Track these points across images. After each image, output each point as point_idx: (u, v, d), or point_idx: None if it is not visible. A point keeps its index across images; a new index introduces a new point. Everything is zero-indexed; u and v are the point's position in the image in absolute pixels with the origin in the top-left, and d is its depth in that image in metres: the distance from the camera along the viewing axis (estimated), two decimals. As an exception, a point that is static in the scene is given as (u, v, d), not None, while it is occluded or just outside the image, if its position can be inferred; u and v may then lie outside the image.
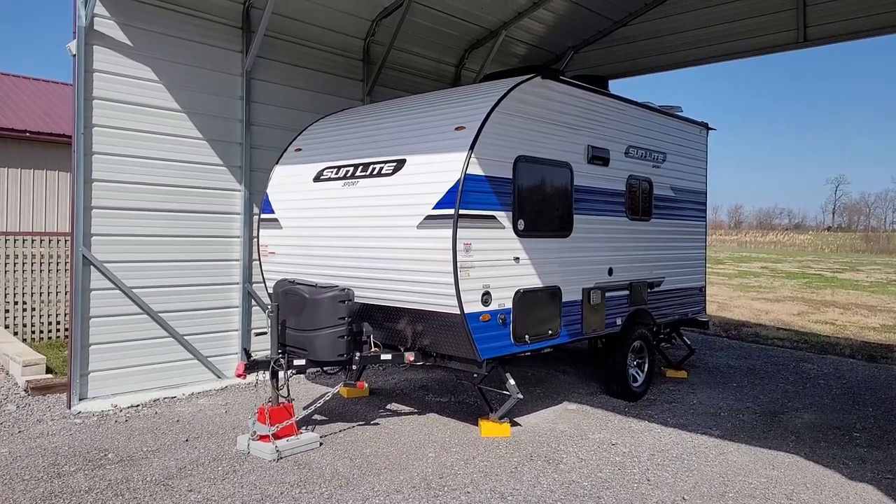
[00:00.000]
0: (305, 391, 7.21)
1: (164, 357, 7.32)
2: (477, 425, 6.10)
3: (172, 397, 7.05)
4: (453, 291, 5.31)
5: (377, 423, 6.23)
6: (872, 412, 6.92)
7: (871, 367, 9.29)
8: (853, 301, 17.32)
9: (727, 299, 17.09)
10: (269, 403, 5.52)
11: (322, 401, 5.98)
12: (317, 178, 6.65)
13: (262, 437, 5.35)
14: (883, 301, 17.48)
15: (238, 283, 7.98)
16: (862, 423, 6.51)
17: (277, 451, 5.24)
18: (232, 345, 7.90)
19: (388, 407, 6.83)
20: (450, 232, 5.29)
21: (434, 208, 5.44)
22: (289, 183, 6.99)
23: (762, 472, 5.16)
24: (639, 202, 7.49)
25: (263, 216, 7.16)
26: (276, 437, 5.35)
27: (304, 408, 6.22)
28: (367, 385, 6.90)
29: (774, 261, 35.19)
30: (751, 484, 4.91)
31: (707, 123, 8.90)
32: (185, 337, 7.48)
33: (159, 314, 7.27)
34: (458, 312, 5.35)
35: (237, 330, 7.95)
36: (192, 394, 7.21)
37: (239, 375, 5.40)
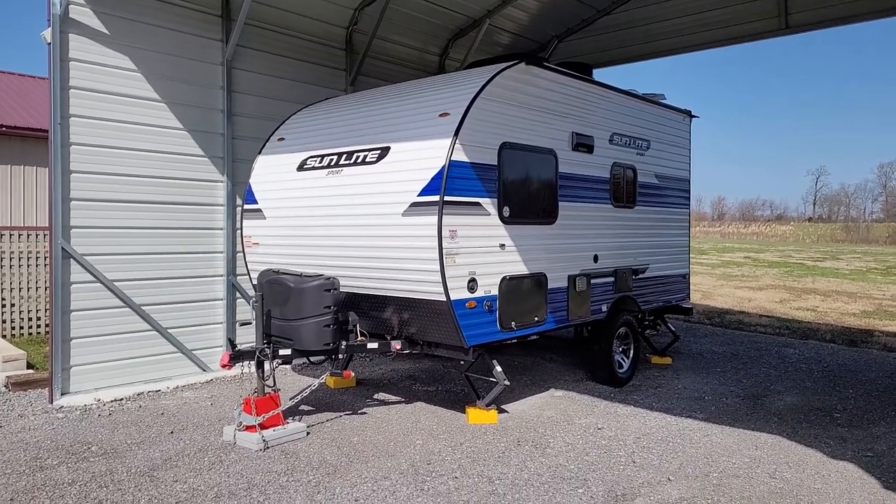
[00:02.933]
0: (291, 382, 7.18)
1: (147, 350, 7.24)
2: (464, 413, 6.10)
3: (157, 391, 6.98)
4: (439, 278, 5.30)
5: (364, 413, 6.22)
6: (852, 394, 7.04)
7: (851, 351, 9.44)
8: (834, 288, 17.58)
9: (711, 288, 17.27)
10: (255, 394, 5.48)
11: (308, 391, 5.95)
12: (300, 168, 6.60)
13: (248, 427, 5.32)
14: (862, 288, 17.76)
15: (222, 276, 7.90)
16: (842, 405, 6.61)
17: (264, 440, 5.21)
18: (216, 337, 7.83)
19: (376, 396, 6.81)
20: (435, 219, 5.27)
21: (419, 195, 5.42)
22: (272, 173, 6.93)
23: (746, 452, 5.22)
24: (623, 189, 7.52)
25: (247, 207, 7.09)
26: (263, 426, 5.32)
27: (291, 398, 6.19)
28: (353, 375, 6.88)
29: (757, 251, 35.63)
30: (735, 464, 4.97)
31: (690, 111, 8.96)
32: (169, 330, 7.40)
33: (142, 307, 7.18)
34: (445, 299, 5.34)
35: (221, 323, 7.88)
36: (177, 387, 7.14)
37: (224, 366, 5.35)
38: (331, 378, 7.09)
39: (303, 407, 6.35)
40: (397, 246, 5.59)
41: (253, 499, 4.32)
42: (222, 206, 7.90)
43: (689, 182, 8.94)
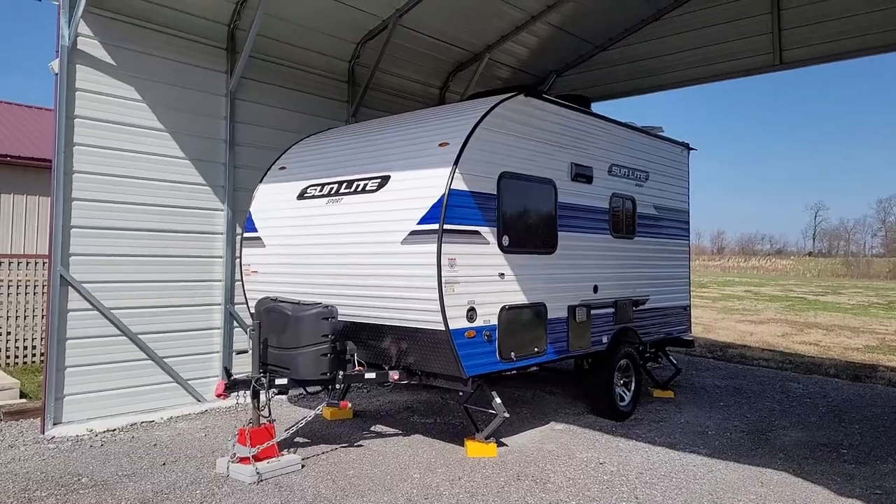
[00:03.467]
0: (287, 414, 7.05)
1: (142, 380, 7.14)
2: (463, 446, 5.98)
3: (150, 421, 6.86)
4: (438, 307, 5.25)
5: (361, 445, 6.09)
6: (858, 429, 6.91)
7: (855, 386, 9.31)
8: (836, 323, 17.46)
9: (712, 321, 17.15)
10: (250, 425, 5.38)
11: (304, 422, 5.84)
12: (300, 196, 6.61)
13: (241, 459, 5.21)
14: (865, 323, 17.65)
15: (220, 304, 7.85)
16: (849, 440, 6.48)
17: (258, 473, 5.09)
18: (213, 367, 7.73)
19: (373, 428, 6.69)
20: (434, 247, 5.25)
21: (418, 223, 5.41)
22: (272, 201, 6.94)
23: (751, 489, 5.10)
24: (622, 220, 7.53)
25: (246, 235, 7.09)
26: (257, 458, 5.21)
27: (286, 430, 6.07)
28: (350, 406, 6.77)
29: (757, 285, 35.53)
30: (740, 501, 4.84)
31: (688, 144, 9.03)
32: (165, 359, 7.32)
33: (138, 336, 7.11)
34: (443, 329, 5.29)
35: (218, 352, 7.79)
36: (171, 417, 7.02)
37: (219, 395, 5.26)
38: (327, 409, 6.98)
39: (298, 438, 6.23)
40: (396, 274, 5.56)
41: (244, 533, 4.20)
42: (222, 234, 7.90)
43: (689, 214, 8.95)
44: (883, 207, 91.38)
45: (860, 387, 9.22)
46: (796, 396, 8.46)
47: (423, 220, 5.39)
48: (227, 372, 5.41)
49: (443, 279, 5.24)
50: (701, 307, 20.59)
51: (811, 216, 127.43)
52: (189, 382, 7.51)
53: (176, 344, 7.45)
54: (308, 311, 5.51)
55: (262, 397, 5.48)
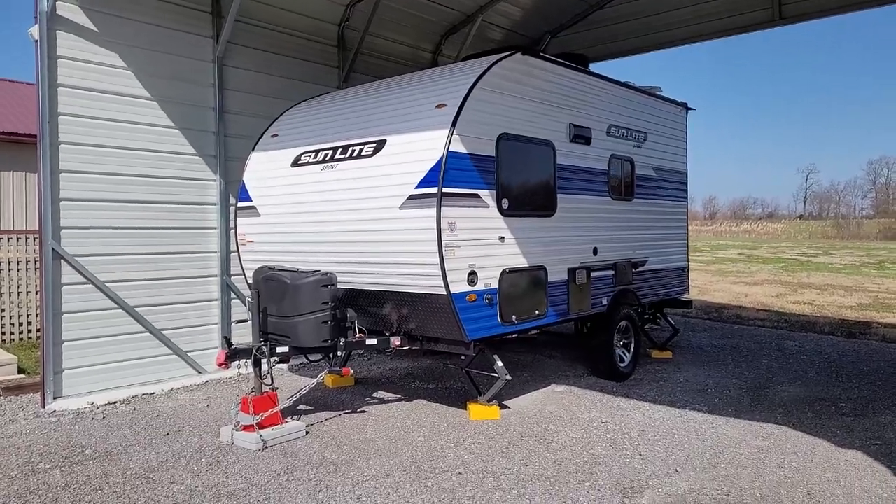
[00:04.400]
0: (289, 383, 7.05)
1: (141, 353, 7.11)
2: (466, 409, 6.01)
3: (151, 393, 6.85)
4: (439, 272, 5.21)
5: (364, 411, 6.11)
6: (856, 384, 6.99)
7: (850, 342, 9.41)
8: (829, 282, 17.61)
9: (707, 284, 17.25)
10: (253, 393, 5.37)
11: (307, 389, 5.85)
12: (294, 163, 6.50)
13: (245, 427, 5.20)
14: (858, 282, 17.80)
15: (216, 276, 7.78)
16: (847, 395, 6.56)
17: (262, 440, 5.09)
18: (212, 339, 7.70)
19: (375, 395, 6.71)
20: (433, 211, 5.18)
21: (417, 188, 5.33)
22: (266, 169, 6.82)
23: (752, 443, 5.15)
24: (621, 182, 7.46)
25: (240, 204, 6.98)
26: (261, 426, 5.21)
27: (289, 398, 6.08)
28: (352, 373, 6.77)
29: (750, 248, 35.73)
30: (742, 455, 4.89)
31: (686, 103, 8.92)
32: (163, 332, 7.27)
33: (135, 309, 7.05)
34: (445, 293, 5.25)
35: (216, 323, 7.75)
36: (172, 389, 7.01)
37: (220, 365, 5.23)
38: (329, 377, 6.97)
39: (301, 406, 6.23)
40: (395, 240, 5.50)
41: (253, 499, 4.21)
42: (215, 204, 7.78)
43: (687, 175, 8.89)
44: (874, 168, 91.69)
45: (855, 343, 9.32)
46: (793, 354, 8.54)
47: (421, 184, 5.30)
48: (228, 341, 5.37)
49: (443, 243, 5.18)
50: (695, 270, 20.66)
51: (802, 179, 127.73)
52: (189, 354, 7.48)
53: (174, 316, 7.40)
54: (307, 278, 5.45)
55: (264, 366, 5.46)
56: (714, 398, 6.47)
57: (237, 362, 5.41)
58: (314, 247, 6.20)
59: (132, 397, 6.68)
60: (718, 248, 35.84)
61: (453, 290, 5.26)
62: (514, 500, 4.16)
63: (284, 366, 7.62)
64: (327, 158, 6.18)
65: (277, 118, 7.37)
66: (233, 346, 5.35)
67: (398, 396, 6.63)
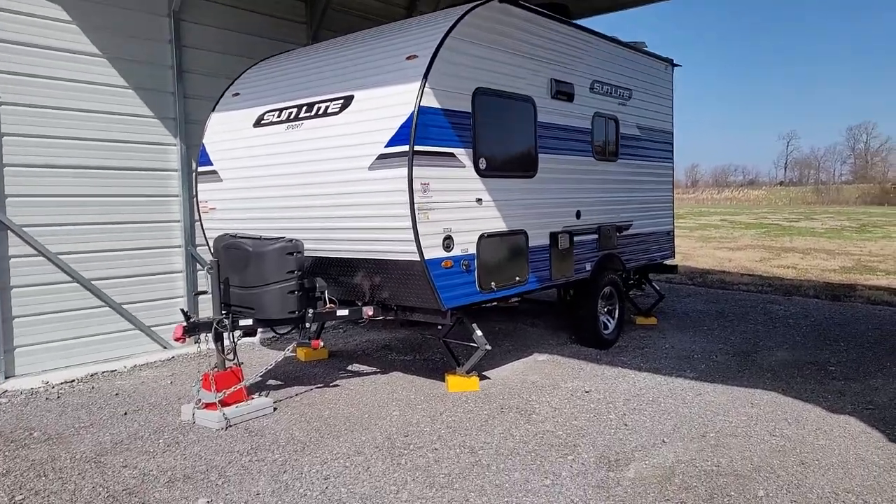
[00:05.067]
0: (259, 357, 6.72)
1: (100, 328, 6.71)
2: (444, 381, 5.73)
3: (112, 371, 6.48)
4: (412, 236, 4.86)
5: (337, 385, 5.81)
6: (844, 347, 6.82)
7: (836, 305, 9.27)
8: (811, 246, 17.56)
9: (690, 250, 17.11)
10: (215, 369, 5.03)
11: (273, 363, 5.52)
12: (257, 123, 6.05)
13: (207, 405, 4.88)
14: (840, 245, 17.78)
15: (180, 247, 7.36)
16: (835, 358, 6.38)
17: (225, 418, 4.77)
18: (177, 312, 7.24)
19: (349, 368, 6.41)
20: (405, 171, 4.81)
21: (386, 146, 4.94)
22: (227, 131, 6.37)
23: (742, 410, 4.94)
24: (605, 141, 7.12)
25: (201, 169, 6.54)
26: (224, 403, 4.88)
27: (258, 373, 5.76)
28: (322, 345, 6.43)
29: (732, 214, 35.78)
30: (731, 423, 4.68)
31: (672, 60, 8.55)
32: (124, 306, 6.87)
33: (92, 282, 6.63)
34: (418, 259, 4.91)
35: (182, 296, 7.36)
36: (135, 366, 6.65)
37: (177, 339, 4.87)
38: (301, 350, 6.67)
39: (270, 381, 5.92)
40: (365, 203, 5.13)
41: (211, 482, 3.90)
42: (176, 170, 7.32)
43: (673, 135, 8.57)
44: (853, 134, 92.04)
45: (840, 306, 9.18)
46: (779, 318, 8.38)
47: (391, 142, 4.92)
48: (185, 314, 5.00)
49: (416, 206, 4.83)
50: (679, 237, 20.42)
51: (783, 146, 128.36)
52: (153, 329, 7.10)
53: (135, 289, 6.99)
54: (270, 246, 5.08)
55: (227, 340, 5.11)
56: (700, 364, 6.26)
57: (197, 337, 5.05)
58: (280, 212, 5.81)
59: (91, 375, 6.32)
60: (701, 214, 35.84)
61: (427, 255, 4.92)
62: (493, 477, 3.90)
63: (255, 339, 7.28)
64: (292, 117, 5.75)
65: (239, 76, 6.89)
66: (191, 320, 4.98)
67: (373, 369, 6.34)
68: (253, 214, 6.05)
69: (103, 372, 6.42)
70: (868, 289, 10.50)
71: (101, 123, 6.68)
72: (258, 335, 6.62)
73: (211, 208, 6.45)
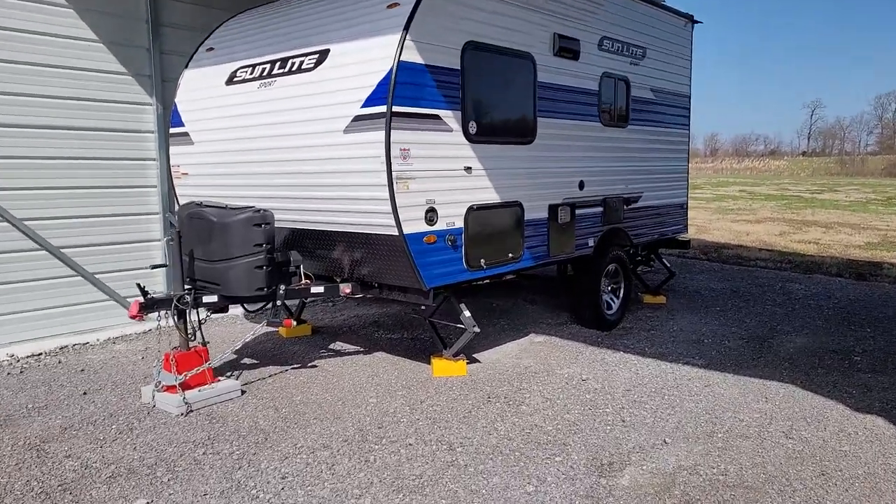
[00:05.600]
0: (241, 331, 6.33)
1: (72, 299, 6.34)
2: (430, 364, 5.30)
3: (84, 343, 6.14)
4: (389, 208, 4.36)
5: (315, 366, 5.40)
6: (871, 333, 6.27)
7: (860, 285, 8.67)
8: (835, 220, 16.79)
9: (706, 222, 16.43)
10: (177, 348, 4.64)
11: (241, 343, 5.12)
12: (229, 81, 5.53)
13: (168, 388, 4.49)
14: (864, 219, 16.98)
15: (157, 214, 6.94)
16: (861, 346, 5.84)
17: (186, 402, 4.39)
18: (156, 283, 6.88)
19: (331, 346, 6.00)
20: (382, 134, 4.28)
21: (363, 106, 4.41)
22: (199, 89, 5.86)
23: (754, 405, 4.45)
24: (614, 105, 6.50)
25: (172, 130, 6.06)
26: (187, 386, 4.50)
27: (234, 351, 5.38)
28: (295, 324, 6.01)
29: (752, 184, 34.74)
30: (742, 421, 4.20)
31: (692, 16, 7.83)
32: (97, 275, 6.49)
33: (61, 250, 6.24)
34: (397, 234, 4.42)
35: (161, 266, 6.94)
36: (109, 339, 6.30)
37: (133, 317, 4.47)
38: (283, 327, 6.29)
39: (245, 360, 5.53)
40: (340, 170, 4.62)
41: (157, 478, 3.52)
42: (153, 132, 6.85)
43: (690, 99, 7.90)
44: (881, 104, 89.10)
45: (866, 286, 8.58)
46: (798, 298, 7.81)
47: (368, 102, 4.39)
48: (142, 289, 4.58)
49: (394, 174, 4.31)
50: (694, 208, 19.80)
51: (808, 115, 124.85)
52: (129, 301, 6.62)
53: (109, 258, 6.60)
54: (236, 216, 4.61)
55: (193, 317, 4.71)
56: (711, 350, 5.76)
57: (157, 314, 4.64)
58: (254, 179, 5.33)
59: (60, 348, 5.98)
60: (719, 185, 34.83)
61: (407, 229, 4.43)
62: (468, 480, 3.48)
63: (238, 312, 6.89)
64: (264, 74, 5.22)
65: (215, 29, 6.33)
66: (148, 296, 4.56)
67: (357, 348, 5.92)
68: (226, 181, 5.58)
69: (74, 345, 6.08)
70: (895, 267, 9.84)
71: (69, 80, 6.20)
72: (232, 309, 6.22)
73: (183, 173, 5.99)
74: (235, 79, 5.48)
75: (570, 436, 4.02)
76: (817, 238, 13.31)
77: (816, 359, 5.47)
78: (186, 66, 6.15)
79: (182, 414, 4.36)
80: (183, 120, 5.92)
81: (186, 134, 5.86)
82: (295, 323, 4.93)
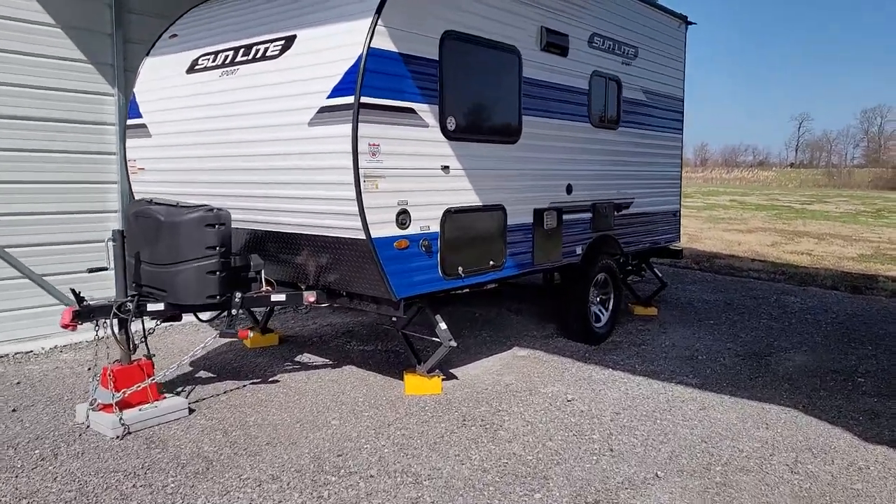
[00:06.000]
0: (203, 339, 5.85)
1: (16, 303, 5.85)
2: (402, 380, 4.86)
3: (27, 352, 5.65)
4: (356, 209, 3.94)
5: (276, 381, 4.95)
6: (872, 351, 5.91)
7: (857, 299, 8.33)
8: (826, 231, 16.54)
9: (697, 231, 16.13)
10: (117, 362, 4.17)
11: (187, 359, 4.66)
12: (190, 69, 5.09)
13: (104, 407, 4.03)
14: (856, 231, 16.75)
15: (116, 212, 6.46)
16: (864, 366, 5.47)
17: (123, 423, 3.93)
18: (112, 286, 6.43)
19: (298, 359, 5.54)
20: (349, 127, 3.86)
21: (329, 97, 3.99)
22: (159, 78, 5.41)
23: (754, 433, 4.06)
24: (604, 106, 6.12)
25: (130, 122, 5.59)
26: (126, 404, 4.04)
27: (188, 363, 4.92)
28: (251, 335, 5.55)
29: (742, 194, 34.64)
30: (741, 451, 3.80)
31: (686, 17, 7.48)
32: (46, 277, 6.00)
33: (5, 249, 5.75)
34: (364, 238, 4.00)
35: (100, 269, 6.46)
36: (55, 347, 5.81)
37: (65, 326, 4.01)
38: (249, 336, 5.83)
39: (200, 373, 5.07)
40: (304, 167, 4.19)
41: (75, 516, 3.06)
42: (114, 125, 6.38)
43: (683, 102, 7.54)
44: (867, 118, 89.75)
45: (863, 300, 8.25)
46: (794, 312, 7.45)
47: (335, 92, 3.96)
48: (77, 295, 4.12)
49: (361, 171, 3.89)
50: (686, 216, 19.43)
51: (795, 127, 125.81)
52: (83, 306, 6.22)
53: (61, 259, 6.11)
54: (186, 215, 4.16)
55: (137, 327, 4.25)
56: (705, 368, 5.37)
57: (95, 323, 4.17)
58: (214, 176, 4.88)
59: (0, 357, 5.48)
60: (710, 194, 34.69)
61: (375, 233, 4.00)
62: (435, 522, 3.05)
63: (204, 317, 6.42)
64: (227, 62, 4.79)
65: (182, 16, 5.88)
66: (84, 303, 4.10)
67: (326, 361, 5.48)
68: (184, 177, 5.13)
69: (16, 353, 5.59)
70: (891, 280, 9.53)
71: (21, 66, 5.74)
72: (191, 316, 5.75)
73: (139, 168, 5.53)
74: (196, 67, 5.04)
75: (551, 467, 3.60)
76: (810, 249, 13.03)
77: (818, 379, 5.09)
78: (148, 54, 5.70)
79: (118, 437, 3.89)
80: (141, 111, 5.46)
81: (144, 126, 5.41)
82: (251, 334, 4.49)
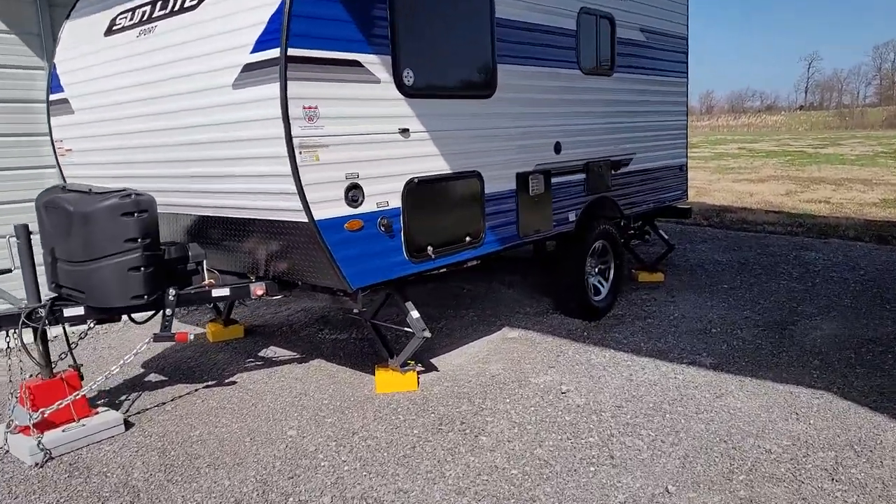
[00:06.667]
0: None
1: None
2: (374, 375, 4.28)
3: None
4: (292, 186, 3.27)
5: (233, 382, 4.38)
6: (910, 313, 5.25)
7: (884, 250, 7.62)
8: (844, 176, 15.67)
9: (705, 183, 15.31)
10: (37, 376, 3.60)
11: (116, 369, 4.08)
12: (108, 31, 4.37)
13: (23, 428, 3.47)
14: (876, 174, 15.87)
15: (59, 200, 5.82)
16: (903, 332, 4.82)
17: (42, 448, 3.37)
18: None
19: (263, 353, 4.97)
20: (277, 88, 3.17)
21: (253, 51, 3.29)
22: (78, 45, 4.70)
23: (782, 426, 3.44)
24: (596, 48, 5.35)
25: (52, 97, 4.91)
26: (50, 423, 3.48)
27: (106, 377, 4.34)
28: (191, 337, 4.92)
29: (751, 141, 33.50)
30: (770, 452, 3.18)
31: (688, -58, 6.61)
32: (-20, 277, 5.40)
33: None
34: (306, 220, 3.34)
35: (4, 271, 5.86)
36: (-5, 354, 5.25)
37: (-37, 341, 3.43)
38: (210, 327, 5.29)
39: (149, 377, 4.51)
40: (232, 139, 3.52)
41: (-42, 580, 2.51)
42: (45, 102, 5.68)
43: (687, 41, 6.73)
44: (879, 54, 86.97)
45: (891, 251, 7.53)
46: (818, 269, 6.76)
47: (259, 45, 3.26)
48: (-25, 305, 3.54)
49: (295, 140, 3.21)
50: (693, 168, 18.53)
51: (804, 68, 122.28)
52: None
53: (-3, 255, 5.51)
54: (97, 203, 3.51)
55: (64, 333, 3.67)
56: (720, 343, 4.74)
57: (6, 334, 3.59)
58: (144, 154, 4.22)
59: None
60: (717, 142, 33.57)
61: (319, 214, 3.35)
62: (392, 570, 2.47)
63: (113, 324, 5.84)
64: (144, 18, 4.07)
65: (105, -29, 5.13)
66: (-14, 313, 3.51)
67: (293, 354, 4.90)
68: (114, 158, 4.47)
69: (-49, 364, 5.03)
70: (920, 227, 8.80)
71: (-75, 40, 5.05)
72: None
73: (67, 150, 4.87)
74: (114, 27, 4.32)
75: (540, 483, 3.01)
76: (828, 196, 12.23)
77: (852, 353, 4.44)
78: (67, 17, 4.97)
79: (37, 464, 3.34)
80: (62, 83, 4.77)
81: (66, 101, 4.72)
82: (192, 336, 3.91)
